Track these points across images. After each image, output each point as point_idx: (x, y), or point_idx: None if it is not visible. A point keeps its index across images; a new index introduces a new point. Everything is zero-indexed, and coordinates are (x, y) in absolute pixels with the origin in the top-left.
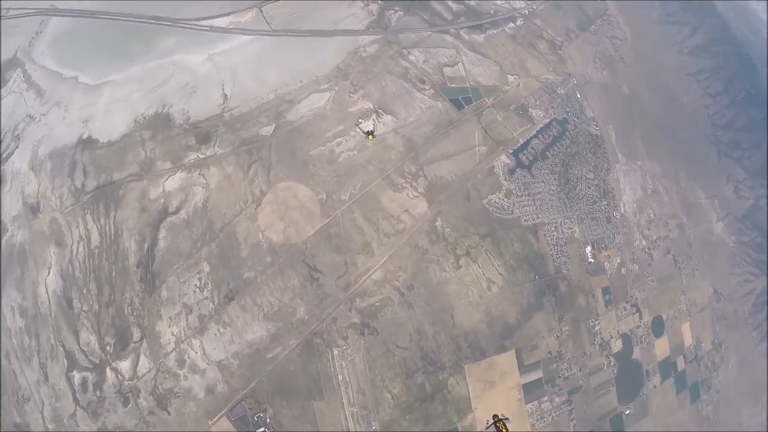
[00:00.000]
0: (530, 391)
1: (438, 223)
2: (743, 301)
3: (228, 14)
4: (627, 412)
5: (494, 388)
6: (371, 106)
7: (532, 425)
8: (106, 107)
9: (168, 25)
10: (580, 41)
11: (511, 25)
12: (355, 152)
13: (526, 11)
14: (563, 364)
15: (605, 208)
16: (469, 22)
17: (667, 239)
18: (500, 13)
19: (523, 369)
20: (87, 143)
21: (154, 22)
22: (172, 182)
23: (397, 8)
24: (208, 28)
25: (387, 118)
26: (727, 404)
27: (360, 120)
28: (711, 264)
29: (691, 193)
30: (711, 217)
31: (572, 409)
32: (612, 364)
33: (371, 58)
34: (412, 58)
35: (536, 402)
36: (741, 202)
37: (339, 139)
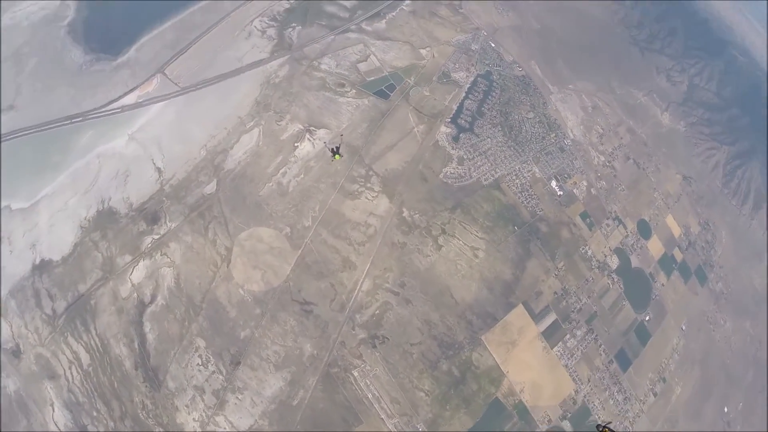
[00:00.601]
0: (551, 335)
1: (405, 214)
2: (713, 176)
3: (134, 89)
4: (647, 318)
5: (517, 347)
6: (301, 127)
7: (566, 366)
8: (48, 224)
9: (80, 121)
10: None
11: (407, 1)
12: (302, 176)
13: None
14: (571, 299)
15: (555, 140)
16: (366, 13)
17: (622, 146)
18: None
19: (537, 318)
20: (42, 267)
21: (65, 123)
22: (138, 273)
23: (293, 24)
24: (119, 110)
25: (320, 132)
26: (734, 274)
27: (296, 144)
28: (671, 154)
29: (628, 96)
30: (655, 111)
31: (596, 336)
32: (616, 280)
33: (286, 81)
34: (324, 66)
35: (560, 343)
36: (677, 87)
37: (282, 170)
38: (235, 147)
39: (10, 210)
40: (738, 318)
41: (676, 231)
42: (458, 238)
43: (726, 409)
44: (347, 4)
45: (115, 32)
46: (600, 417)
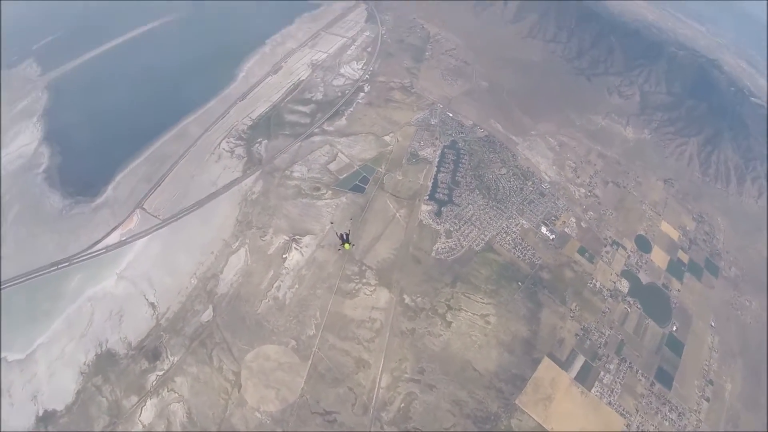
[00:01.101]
0: (585, 378)
1: (407, 300)
2: (690, 169)
3: (115, 228)
4: (674, 328)
5: (554, 400)
6: (286, 238)
7: (609, 403)
8: (47, 373)
9: (66, 265)
10: (424, 70)
11: (362, 94)
12: (297, 286)
13: (366, 75)
14: (594, 335)
15: (533, 187)
16: (325, 114)
17: (598, 172)
18: (347, 91)
19: (566, 365)
20: (46, 418)
21: (52, 269)
22: (147, 413)
23: (259, 139)
24: (104, 250)
25: (306, 239)
26: (742, 253)
27: (284, 255)
28: (645, 163)
29: (589, 123)
30: (618, 129)
31: (630, 364)
32: (632, 302)
33: (262, 196)
34: (296, 174)
35: (597, 383)
36: (630, 100)
37: (276, 284)
38: (225, 270)
39: (6, 362)
40: (761, 293)
41: (674, 234)
42: (466, 310)
43: None
44: (306, 109)
45: (90, 174)
46: None
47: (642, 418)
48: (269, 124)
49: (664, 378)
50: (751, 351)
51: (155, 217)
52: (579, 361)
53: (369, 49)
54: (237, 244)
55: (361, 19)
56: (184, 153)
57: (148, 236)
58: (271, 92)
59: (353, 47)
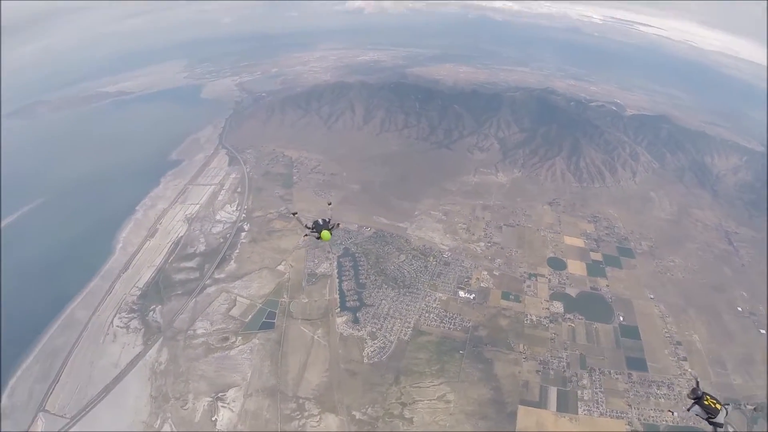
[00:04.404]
0: (566, 405)
1: (357, 415)
2: (566, 183)
3: None
4: (621, 318)
5: None
6: (209, 399)
7: (602, 414)
8: None
9: None
10: (297, 193)
11: (243, 234)
12: None
13: (243, 215)
14: (554, 363)
15: (436, 261)
16: (213, 264)
17: (489, 223)
18: (228, 235)
19: (542, 403)
20: None
21: None
22: None
23: (152, 306)
24: None
25: (230, 393)
26: (644, 227)
27: (213, 418)
28: (526, 197)
29: (464, 185)
30: (490, 179)
31: (599, 370)
32: (573, 317)
33: (171, 363)
34: (200, 331)
35: (580, 403)
36: (491, 150)
37: None
38: None
39: None
40: (678, 247)
41: (580, 242)
42: (420, 399)
43: (740, 309)
44: (192, 264)
45: None
46: (665, 420)
47: (637, 409)
48: (159, 289)
49: (637, 364)
50: (696, 297)
51: (61, 416)
52: (552, 393)
53: (239, 189)
54: (159, 422)
55: (224, 163)
56: (76, 340)
57: None
58: (153, 256)
59: (223, 192)
